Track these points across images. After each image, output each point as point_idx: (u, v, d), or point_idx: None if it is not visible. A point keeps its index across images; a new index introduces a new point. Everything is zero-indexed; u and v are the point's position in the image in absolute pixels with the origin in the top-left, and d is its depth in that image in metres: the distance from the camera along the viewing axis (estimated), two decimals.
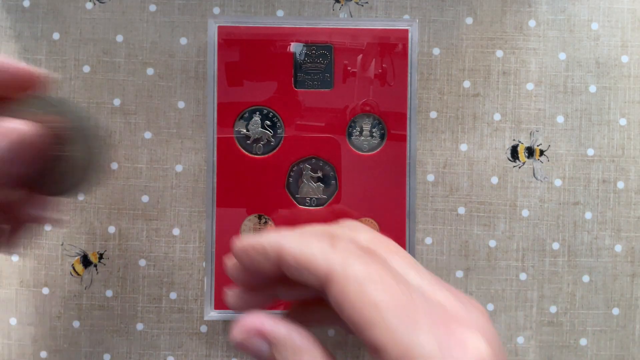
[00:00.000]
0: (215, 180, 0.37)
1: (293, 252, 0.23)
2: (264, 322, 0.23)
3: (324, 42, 0.37)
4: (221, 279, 0.37)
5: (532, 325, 0.40)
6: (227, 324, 0.40)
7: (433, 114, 0.40)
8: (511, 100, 0.40)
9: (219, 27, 0.37)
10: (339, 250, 0.22)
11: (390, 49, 0.37)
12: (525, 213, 0.40)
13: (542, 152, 0.40)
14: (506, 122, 0.40)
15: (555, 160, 0.40)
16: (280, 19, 0.40)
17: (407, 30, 0.37)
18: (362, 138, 0.38)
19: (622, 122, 0.41)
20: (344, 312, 0.21)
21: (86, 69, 0.40)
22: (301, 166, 0.37)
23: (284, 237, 0.23)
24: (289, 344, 0.22)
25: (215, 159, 0.37)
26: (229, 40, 0.37)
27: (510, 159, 0.40)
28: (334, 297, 0.21)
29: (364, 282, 0.21)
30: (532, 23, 0.40)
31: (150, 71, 0.40)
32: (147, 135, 0.40)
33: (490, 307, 0.40)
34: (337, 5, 0.40)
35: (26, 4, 0.40)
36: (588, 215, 0.40)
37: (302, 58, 0.37)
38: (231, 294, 0.27)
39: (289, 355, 0.22)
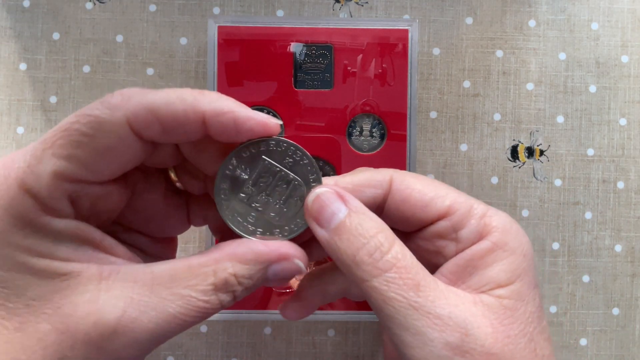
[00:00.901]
0: None
1: (360, 178, 0.26)
2: (344, 192, 0.25)
3: (324, 42, 0.37)
4: None
5: None
6: (227, 324, 0.40)
7: (433, 114, 0.40)
8: (511, 100, 0.40)
9: (219, 27, 0.37)
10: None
11: (390, 49, 0.37)
12: (525, 213, 0.40)
13: (542, 152, 0.40)
14: (506, 122, 0.40)
15: (555, 160, 0.40)
16: (280, 19, 0.40)
17: (407, 30, 0.37)
18: (362, 138, 0.38)
19: (622, 122, 0.41)
20: (411, 198, 0.25)
21: (86, 69, 0.40)
22: None
23: (344, 176, 0.27)
24: (368, 215, 0.24)
25: None
26: (229, 40, 0.37)
27: (510, 159, 0.40)
28: (398, 192, 0.25)
29: (418, 175, 0.26)
30: (532, 23, 0.40)
31: (150, 71, 0.40)
32: None
33: None
34: (337, 5, 0.40)
35: (26, 4, 0.40)
36: (588, 215, 0.40)
37: (302, 58, 0.37)
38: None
39: (365, 219, 0.24)
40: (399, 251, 0.23)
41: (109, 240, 0.23)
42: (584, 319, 0.40)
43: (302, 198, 0.25)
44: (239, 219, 0.25)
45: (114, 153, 0.22)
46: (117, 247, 0.23)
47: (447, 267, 0.25)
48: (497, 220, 0.25)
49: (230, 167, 0.25)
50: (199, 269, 0.23)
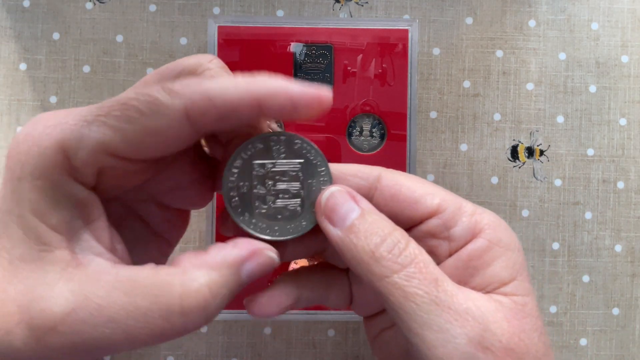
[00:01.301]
0: None
1: (348, 168, 0.26)
2: (354, 192, 0.25)
3: (324, 42, 0.37)
4: None
5: None
6: (227, 324, 0.40)
7: (433, 114, 0.40)
8: (511, 100, 0.40)
9: (219, 27, 0.37)
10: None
11: (390, 49, 0.37)
12: (525, 213, 0.40)
13: (542, 152, 0.40)
14: (506, 122, 0.40)
15: (555, 160, 0.40)
16: (280, 19, 0.40)
17: (407, 30, 0.37)
18: (362, 138, 0.38)
19: (622, 122, 0.41)
20: (400, 195, 0.25)
21: (86, 69, 0.40)
22: None
23: (331, 165, 0.26)
24: (380, 215, 0.24)
25: None
26: (229, 40, 0.37)
27: (510, 159, 0.40)
28: (387, 189, 0.25)
29: (406, 174, 0.26)
30: (532, 23, 0.40)
31: (150, 71, 0.40)
32: None
33: None
34: (337, 5, 0.40)
35: (26, 4, 0.40)
36: (588, 215, 0.40)
37: (302, 58, 0.37)
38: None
39: (379, 218, 0.24)
40: (416, 247, 0.23)
41: (101, 223, 0.22)
42: (584, 319, 0.40)
43: (290, 219, 0.25)
44: (231, 178, 0.24)
45: (162, 136, 0.21)
46: (104, 232, 0.22)
47: (446, 271, 0.24)
48: (487, 217, 0.25)
49: (275, 135, 0.24)
50: (165, 277, 0.21)
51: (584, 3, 0.41)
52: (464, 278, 0.24)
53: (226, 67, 0.25)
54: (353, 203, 0.24)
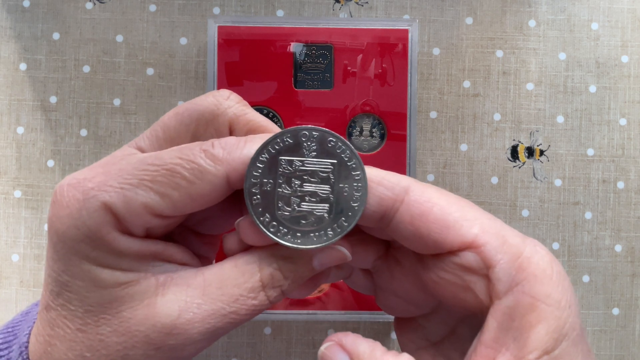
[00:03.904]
0: None
1: (372, 173, 0.24)
2: (345, 340, 0.24)
3: (324, 42, 0.37)
4: None
5: None
6: None
7: (433, 114, 0.40)
8: (511, 100, 0.40)
9: (219, 27, 0.37)
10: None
11: (390, 49, 0.37)
12: (525, 213, 0.40)
13: (542, 152, 0.40)
14: (506, 122, 0.40)
15: (555, 160, 0.40)
16: (280, 19, 0.40)
17: (407, 30, 0.37)
18: (362, 138, 0.38)
19: (622, 122, 0.41)
20: (430, 214, 0.22)
21: (86, 69, 0.40)
22: None
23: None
24: (371, 349, 0.23)
25: None
26: (229, 40, 0.37)
27: (510, 159, 0.40)
28: (416, 205, 0.23)
29: (442, 190, 0.23)
30: (532, 23, 0.41)
31: (150, 71, 0.40)
32: None
33: None
34: (337, 5, 0.40)
35: (26, 4, 0.40)
36: (588, 215, 0.40)
37: (302, 58, 0.37)
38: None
39: None
40: None
41: (170, 250, 0.24)
42: (584, 319, 0.40)
43: (315, 226, 0.23)
44: (255, 173, 0.23)
45: (204, 199, 0.23)
46: (176, 254, 0.25)
47: (487, 336, 0.22)
48: (535, 262, 0.22)
49: (307, 130, 0.23)
50: (245, 266, 0.24)
51: (584, 3, 0.41)
52: (506, 342, 0.21)
53: (243, 100, 0.25)
54: (343, 355, 0.23)
